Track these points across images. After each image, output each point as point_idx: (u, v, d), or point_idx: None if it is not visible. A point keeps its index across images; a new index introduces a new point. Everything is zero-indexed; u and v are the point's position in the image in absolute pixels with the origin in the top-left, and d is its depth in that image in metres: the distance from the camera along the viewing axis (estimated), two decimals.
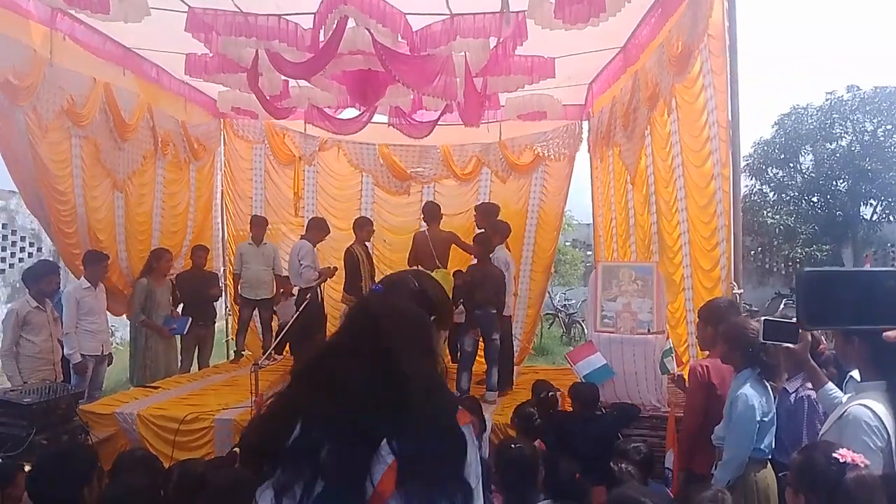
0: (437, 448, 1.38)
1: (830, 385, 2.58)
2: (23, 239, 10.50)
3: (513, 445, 3.16)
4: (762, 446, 2.84)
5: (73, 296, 5.93)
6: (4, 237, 10.29)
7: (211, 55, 5.94)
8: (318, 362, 1.57)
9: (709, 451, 3.10)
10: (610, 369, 4.72)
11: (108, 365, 6.50)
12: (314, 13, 4.99)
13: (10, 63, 5.18)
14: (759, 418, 2.80)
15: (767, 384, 2.90)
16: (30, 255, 10.57)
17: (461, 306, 7.75)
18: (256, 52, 5.62)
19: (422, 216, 6.89)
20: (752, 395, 2.81)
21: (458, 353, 6.03)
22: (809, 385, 2.83)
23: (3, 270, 10.20)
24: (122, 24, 5.08)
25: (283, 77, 6.12)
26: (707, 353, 3.65)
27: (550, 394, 4.57)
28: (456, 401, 1.67)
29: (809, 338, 2.61)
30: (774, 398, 2.92)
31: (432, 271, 6.44)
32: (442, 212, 7.17)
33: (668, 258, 5.65)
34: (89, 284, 6.07)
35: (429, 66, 5.64)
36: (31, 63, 5.42)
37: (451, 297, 6.41)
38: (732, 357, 2.98)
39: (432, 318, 1.63)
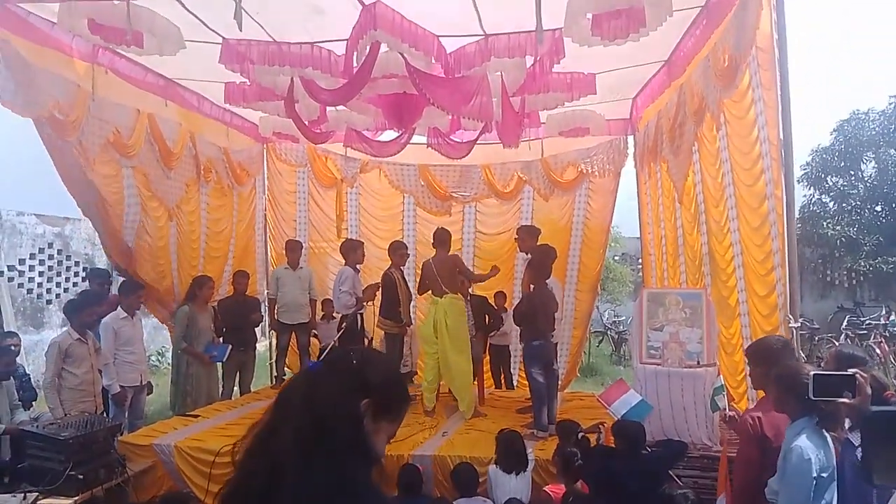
0: None
1: None
2: (76, 264, 10.80)
3: None
4: None
5: (111, 326, 5.99)
6: (59, 262, 10.60)
7: (248, 83, 5.97)
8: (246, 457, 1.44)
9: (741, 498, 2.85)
10: (647, 404, 4.45)
11: (149, 394, 6.55)
12: (346, 39, 4.94)
13: (54, 98, 5.29)
14: (815, 474, 2.51)
15: (827, 434, 2.62)
16: (83, 279, 10.85)
17: (502, 328, 7.67)
18: (292, 79, 5.61)
19: (432, 241, 6.76)
20: (808, 448, 2.53)
21: (529, 386, 5.84)
22: None
23: (59, 295, 10.49)
24: (163, 56, 5.13)
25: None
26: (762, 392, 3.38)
27: (581, 435, 4.34)
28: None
29: (869, 390, 2.34)
30: (836, 449, 2.64)
31: (441, 297, 6.32)
32: (452, 237, 7.08)
33: (721, 281, 5.35)
34: (126, 315, 6.13)
35: (464, 87, 5.51)
36: (74, 98, 5.53)
37: (464, 323, 6.41)
38: (786, 404, 2.71)
39: (366, 403, 1.41)
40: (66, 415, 5.10)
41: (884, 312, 13.82)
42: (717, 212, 5.38)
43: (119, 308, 6.12)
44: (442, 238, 6.72)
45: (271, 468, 1.33)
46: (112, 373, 5.85)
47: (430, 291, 6.60)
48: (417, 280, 8.90)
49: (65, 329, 5.84)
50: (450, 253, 6.76)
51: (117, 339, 5.98)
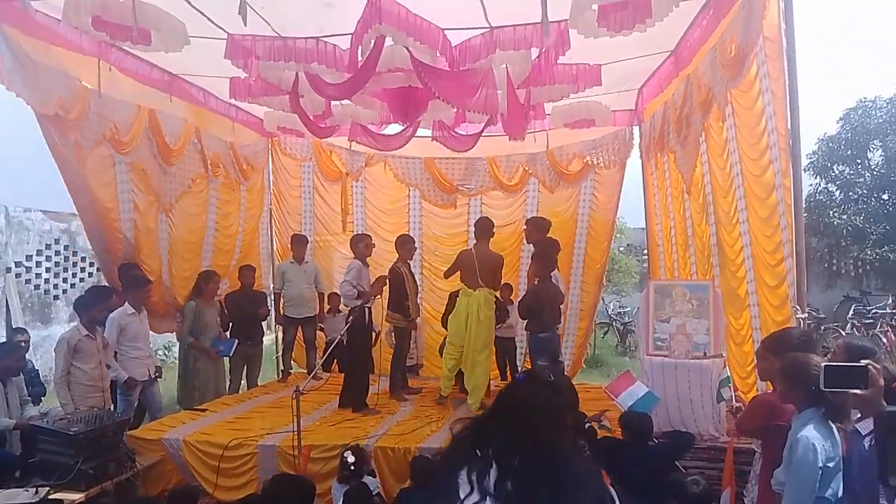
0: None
1: None
2: (83, 259, 10.83)
3: None
4: (826, 494, 2.54)
5: (117, 321, 6.00)
6: (66, 258, 10.63)
7: (254, 79, 5.96)
8: (475, 433, 1.98)
9: (770, 495, 2.84)
10: (654, 395, 4.45)
11: (158, 377, 6.55)
12: (351, 34, 4.92)
13: (58, 96, 5.29)
14: (821, 464, 2.51)
15: (833, 425, 2.62)
16: (90, 275, 10.90)
17: (508, 321, 7.67)
18: (297, 74, 5.61)
19: (474, 231, 6.71)
20: (814, 438, 2.52)
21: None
22: None
23: (66, 291, 10.53)
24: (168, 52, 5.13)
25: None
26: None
27: (588, 425, 4.35)
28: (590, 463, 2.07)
29: (882, 382, 2.33)
30: (842, 440, 2.63)
31: (475, 290, 6.31)
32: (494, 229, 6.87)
33: (730, 272, 5.33)
34: (133, 310, 6.14)
35: (469, 80, 5.50)
36: (77, 95, 5.53)
37: (494, 315, 6.37)
38: (792, 395, 2.70)
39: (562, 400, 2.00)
40: (77, 409, 5.13)
41: (890, 301, 13.78)
42: (725, 202, 5.36)
43: (126, 304, 6.13)
44: (485, 229, 6.62)
45: (517, 434, 1.88)
46: (115, 364, 5.88)
47: (461, 280, 6.53)
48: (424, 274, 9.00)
49: (74, 325, 5.86)
50: (489, 247, 6.64)
51: (123, 335, 6.01)
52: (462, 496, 1.84)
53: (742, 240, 5.06)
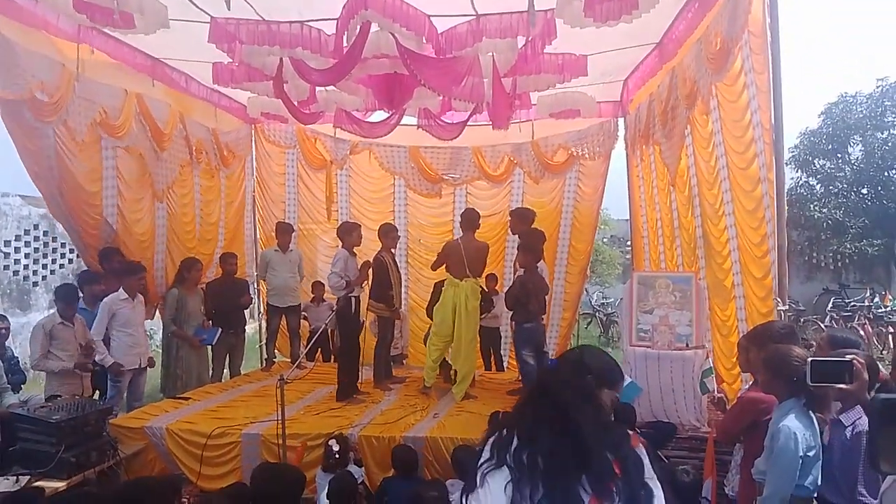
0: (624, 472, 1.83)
1: None
2: (63, 245, 10.67)
3: None
4: (806, 483, 2.60)
5: (109, 305, 5.95)
6: (45, 244, 10.47)
7: (237, 63, 5.89)
8: (515, 415, 2.05)
9: (752, 485, 2.89)
10: (637, 386, 4.49)
11: (150, 367, 6.52)
12: (336, 19, 4.88)
13: (37, 79, 5.20)
14: (802, 453, 2.56)
15: (813, 416, 2.66)
16: (70, 261, 10.76)
17: (493, 311, 7.69)
18: (281, 59, 5.55)
19: (460, 222, 6.71)
20: (795, 428, 2.57)
21: (520, 368, 5.88)
22: (865, 418, 2.59)
23: (45, 277, 10.40)
24: (150, 36, 5.05)
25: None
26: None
27: None
28: (624, 431, 2.00)
29: (866, 376, 2.37)
30: (821, 430, 2.68)
31: (462, 280, 6.31)
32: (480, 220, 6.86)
33: (716, 264, 5.36)
34: (126, 296, 6.08)
35: (455, 68, 5.48)
36: (59, 78, 5.44)
37: (480, 305, 6.38)
38: (775, 386, 2.74)
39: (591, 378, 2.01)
40: (56, 397, 5.07)
41: (868, 294, 14.03)
42: (711, 195, 5.38)
43: (121, 289, 6.07)
44: (471, 220, 6.62)
45: (550, 415, 1.93)
46: (101, 348, 5.83)
47: (447, 271, 6.53)
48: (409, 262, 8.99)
49: (52, 311, 5.79)
50: (475, 237, 6.64)
51: (115, 320, 5.95)
52: (481, 461, 1.91)
53: (728, 232, 5.08)
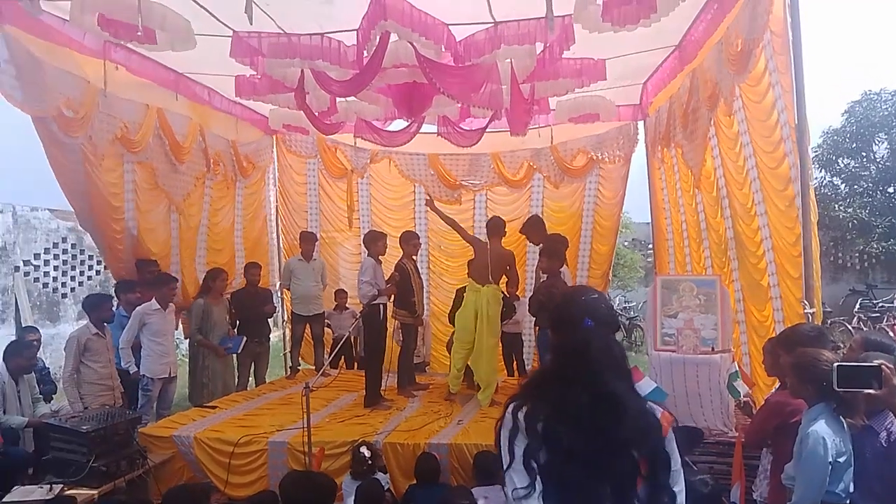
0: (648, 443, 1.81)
1: None
2: (90, 258, 10.88)
3: None
4: (837, 490, 2.55)
5: (140, 315, 6.06)
6: (74, 256, 10.69)
7: (259, 77, 5.98)
8: (547, 378, 1.97)
9: (781, 491, 2.85)
10: (662, 391, 4.43)
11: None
12: (356, 30, 4.93)
13: (63, 95, 5.32)
14: (831, 458, 2.52)
15: (844, 421, 2.62)
16: (97, 272, 10.96)
17: (514, 317, 7.67)
18: (302, 71, 5.62)
19: (486, 230, 6.74)
20: (824, 433, 2.54)
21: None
22: None
23: (74, 289, 10.60)
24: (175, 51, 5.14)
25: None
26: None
27: None
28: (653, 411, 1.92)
29: (895, 381, 2.34)
30: (853, 436, 2.63)
31: (483, 286, 6.32)
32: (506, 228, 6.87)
33: (751, 264, 5.27)
34: (158, 307, 6.19)
35: (474, 75, 5.51)
36: (84, 94, 5.56)
37: (500, 313, 6.37)
38: (803, 390, 2.70)
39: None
40: (85, 408, 5.16)
41: None
42: (741, 195, 5.30)
43: (153, 300, 6.20)
44: (496, 227, 6.64)
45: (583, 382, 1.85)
46: (128, 355, 5.94)
47: (469, 275, 6.56)
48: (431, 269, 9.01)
49: (83, 323, 5.90)
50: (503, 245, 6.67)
51: (147, 330, 6.07)
52: (506, 427, 1.88)
53: (762, 232, 5.00)
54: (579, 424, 1.78)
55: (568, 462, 1.78)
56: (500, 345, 7.93)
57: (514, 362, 8.23)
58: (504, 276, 6.68)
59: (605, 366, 1.84)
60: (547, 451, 1.80)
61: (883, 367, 2.37)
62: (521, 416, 1.86)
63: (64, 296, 10.49)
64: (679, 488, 1.83)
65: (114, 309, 6.08)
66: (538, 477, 1.80)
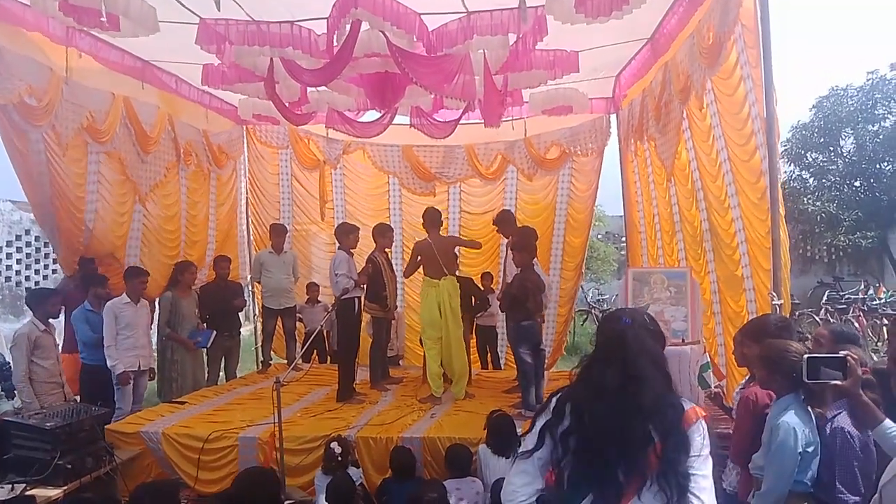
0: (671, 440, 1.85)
1: (889, 423, 2.33)
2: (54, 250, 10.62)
3: None
4: (805, 479, 2.59)
5: (112, 310, 5.93)
6: (37, 249, 10.42)
7: (227, 66, 5.86)
8: (586, 366, 2.07)
9: (750, 480, 2.87)
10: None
11: (151, 379, 6.52)
12: (327, 18, 4.85)
13: (25, 83, 5.16)
14: (801, 449, 2.55)
15: (811, 411, 2.65)
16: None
17: (489, 309, 7.67)
18: (271, 60, 5.52)
19: (423, 222, 6.67)
20: (794, 424, 2.56)
21: (517, 367, 5.84)
22: (844, 414, 2.60)
23: (38, 282, 10.33)
24: (140, 38, 5.01)
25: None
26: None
27: None
28: (681, 403, 1.96)
29: (860, 372, 2.37)
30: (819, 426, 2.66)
31: (440, 279, 6.28)
32: (443, 217, 6.96)
33: (726, 255, 5.31)
34: (129, 300, 6.06)
35: (446, 66, 5.47)
36: (48, 82, 5.40)
37: (461, 303, 6.36)
38: (773, 382, 2.72)
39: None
40: (42, 408, 4.99)
41: (862, 287, 14.06)
42: (715, 187, 5.34)
43: (124, 293, 6.08)
44: (433, 218, 6.58)
45: (621, 371, 1.94)
46: (114, 354, 5.82)
47: (424, 273, 6.49)
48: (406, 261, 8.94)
49: (28, 320, 5.69)
50: (440, 234, 6.63)
51: (117, 324, 5.92)
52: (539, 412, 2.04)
53: (735, 224, 5.04)
54: (603, 396, 1.90)
55: (583, 425, 1.90)
56: (475, 337, 7.95)
57: (489, 355, 8.25)
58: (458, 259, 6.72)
59: (638, 353, 1.95)
60: (569, 419, 1.95)
61: (848, 358, 2.40)
62: (554, 399, 2.04)
63: (28, 289, 10.23)
64: (704, 473, 1.87)
65: (62, 305, 5.86)
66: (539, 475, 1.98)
